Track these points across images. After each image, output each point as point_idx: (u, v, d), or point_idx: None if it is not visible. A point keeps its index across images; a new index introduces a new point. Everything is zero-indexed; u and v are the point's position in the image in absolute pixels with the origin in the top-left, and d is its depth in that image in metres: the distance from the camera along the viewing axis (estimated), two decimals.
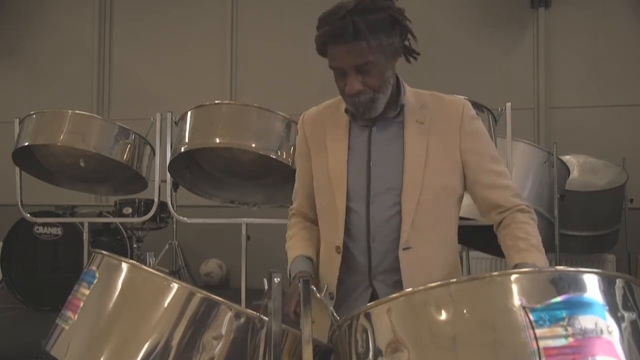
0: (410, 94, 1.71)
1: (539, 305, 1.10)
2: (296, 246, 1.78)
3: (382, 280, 1.69)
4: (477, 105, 3.26)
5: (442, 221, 1.71)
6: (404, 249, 1.65)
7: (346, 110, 1.70)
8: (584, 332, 1.08)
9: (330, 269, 1.73)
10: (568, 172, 4.71)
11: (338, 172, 1.69)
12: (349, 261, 1.71)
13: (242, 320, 1.28)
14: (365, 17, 1.50)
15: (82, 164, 4.13)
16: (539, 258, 1.58)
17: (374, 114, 1.64)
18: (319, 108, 1.83)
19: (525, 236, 1.64)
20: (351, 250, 1.71)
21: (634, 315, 1.15)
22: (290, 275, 1.71)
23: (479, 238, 4.43)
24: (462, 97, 1.80)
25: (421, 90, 1.77)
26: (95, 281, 1.40)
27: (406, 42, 1.64)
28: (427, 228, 1.66)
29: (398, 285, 1.64)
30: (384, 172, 1.67)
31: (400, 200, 1.65)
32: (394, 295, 1.21)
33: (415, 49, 1.67)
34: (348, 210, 1.69)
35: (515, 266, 1.57)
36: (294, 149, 3.55)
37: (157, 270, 1.38)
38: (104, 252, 1.45)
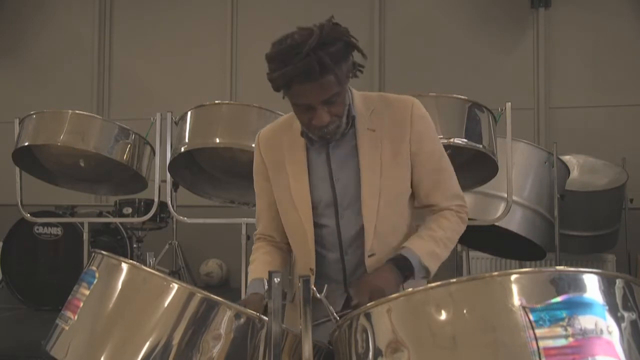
0: (359, 100, 1.71)
1: (539, 305, 1.10)
2: (256, 270, 1.77)
3: None
4: (477, 105, 3.27)
5: (400, 224, 1.74)
6: (369, 256, 1.69)
7: (302, 134, 1.70)
8: (583, 332, 1.08)
9: None
10: (568, 172, 4.71)
11: (301, 197, 1.70)
12: (324, 273, 1.75)
13: (242, 320, 1.29)
14: (328, 50, 1.48)
15: (82, 164, 4.13)
16: (426, 248, 1.65)
17: (336, 138, 1.65)
18: (274, 127, 1.82)
19: (433, 227, 1.70)
20: (326, 263, 1.74)
21: (634, 315, 1.15)
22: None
23: (479, 238, 4.44)
24: (411, 96, 1.78)
25: (369, 93, 1.76)
26: (95, 281, 1.40)
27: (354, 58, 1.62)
28: (387, 233, 1.70)
29: None
30: (346, 186, 1.69)
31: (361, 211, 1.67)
32: (393, 295, 1.22)
33: (363, 63, 1.63)
34: (320, 227, 1.72)
35: (400, 249, 1.66)
36: None
37: (157, 270, 1.38)
38: (103, 252, 1.45)
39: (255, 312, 1.31)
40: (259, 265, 1.78)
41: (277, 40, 1.54)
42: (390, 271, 1.60)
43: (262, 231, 1.87)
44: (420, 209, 1.78)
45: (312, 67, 1.46)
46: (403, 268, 1.61)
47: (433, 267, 1.66)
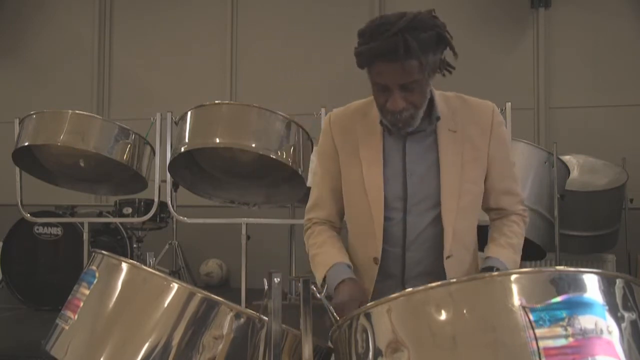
0: (439, 100, 1.69)
1: (539, 305, 1.10)
2: (331, 252, 1.72)
3: (413, 284, 1.70)
4: None
5: (474, 224, 1.77)
6: (447, 258, 1.68)
7: (381, 122, 1.68)
8: (583, 332, 1.08)
9: (366, 279, 1.73)
10: (568, 172, 4.71)
11: (374, 184, 1.68)
12: (382, 268, 1.73)
13: (242, 320, 1.28)
14: (417, 35, 1.47)
15: (82, 164, 4.13)
16: (510, 258, 1.70)
17: (411, 128, 1.63)
18: (348, 110, 1.79)
19: (509, 234, 1.75)
20: (385, 258, 1.72)
21: (634, 315, 1.15)
22: (328, 283, 1.64)
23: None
24: (489, 101, 1.78)
25: (446, 92, 1.75)
26: (95, 281, 1.40)
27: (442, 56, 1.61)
28: (464, 234, 1.72)
29: None
30: (420, 182, 1.68)
31: (440, 211, 1.67)
32: (393, 295, 1.21)
33: (452, 63, 1.63)
34: (386, 220, 1.70)
35: (486, 258, 1.70)
36: (294, 149, 3.55)
37: (157, 270, 1.38)
38: (104, 252, 1.45)
39: (255, 312, 1.30)
40: (333, 249, 1.73)
41: (373, 18, 1.55)
42: None
43: (325, 217, 1.80)
44: (487, 211, 1.81)
45: (397, 46, 1.46)
46: None
47: None
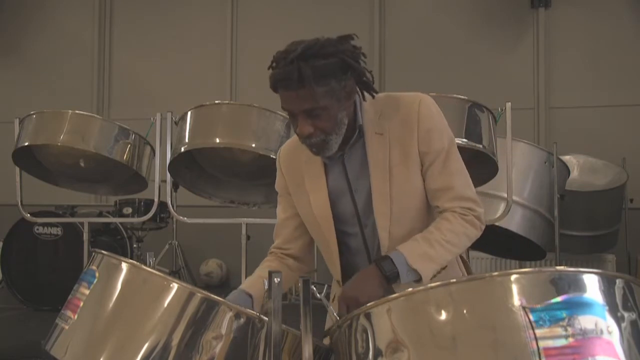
0: (368, 104, 1.65)
1: (539, 306, 1.10)
2: (247, 281, 1.75)
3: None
4: (477, 105, 3.27)
5: (417, 225, 1.67)
6: None
7: None
8: (583, 332, 1.08)
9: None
10: (568, 172, 4.71)
11: (322, 211, 1.69)
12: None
13: (242, 320, 1.28)
14: (314, 63, 1.45)
15: (82, 164, 4.14)
16: (414, 248, 1.56)
17: (328, 154, 1.61)
18: (293, 143, 1.79)
19: (430, 229, 1.61)
20: (357, 269, 1.72)
21: (634, 315, 1.15)
22: None
23: (479, 238, 4.44)
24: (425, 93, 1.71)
25: (378, 95, 1.69)
26: (95, 281, 1.40)
27: (365, 78, 1.56)
28: (404, 236, 1.64)
29: None
30: (365, 195, 1.67)
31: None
32: (393, 295, 1.22)
33: (374, 86, 1.59)
34: (346, 236, 1.72)
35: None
36: None
37: (157, 270, 1.38)
38: (104, 252, 1.45)
39: (255, 312, 1.31)
40: (251, 278, 1.74)
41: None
42: (369, 276, 1.54)
43: (279, 244, 1.84)
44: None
45: (290, 76, 1.46)
46: (388, 270, 1.54)
47: (425, 270, 1.53)
